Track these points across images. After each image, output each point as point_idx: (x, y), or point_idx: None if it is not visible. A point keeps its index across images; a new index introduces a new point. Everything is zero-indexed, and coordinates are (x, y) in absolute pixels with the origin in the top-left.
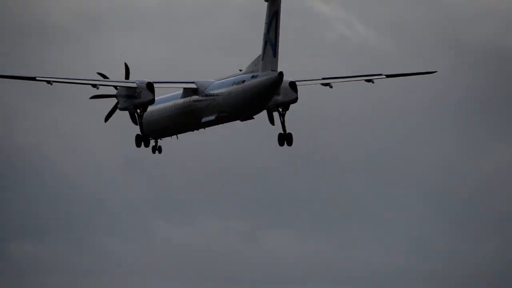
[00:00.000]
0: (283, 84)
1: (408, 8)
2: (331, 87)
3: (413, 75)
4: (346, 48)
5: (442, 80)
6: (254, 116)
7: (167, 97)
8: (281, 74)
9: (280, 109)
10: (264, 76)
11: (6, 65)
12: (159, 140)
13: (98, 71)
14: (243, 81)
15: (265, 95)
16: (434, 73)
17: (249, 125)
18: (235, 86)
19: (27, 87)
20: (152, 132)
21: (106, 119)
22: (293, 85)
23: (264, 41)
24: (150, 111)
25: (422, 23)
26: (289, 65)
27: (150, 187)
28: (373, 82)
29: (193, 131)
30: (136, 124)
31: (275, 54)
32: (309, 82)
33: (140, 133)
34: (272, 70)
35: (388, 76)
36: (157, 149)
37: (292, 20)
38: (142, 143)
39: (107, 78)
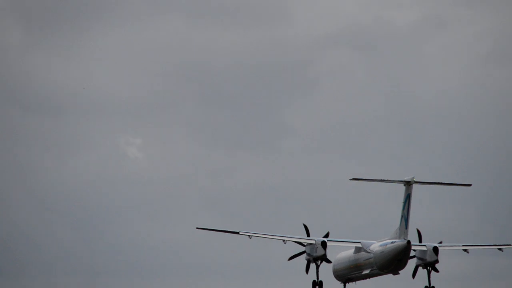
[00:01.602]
0: (428, 247)
1: None
2: (468, 252)
3: None
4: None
5: None
6: (399, 272)
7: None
8: (409, 242)
9: (429, 268)
10: (398, 242)
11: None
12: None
13: (304, 223)
14: (386, 245)
15: (399, 256)
16: None
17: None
18: (380, 248)
19: (231, 238)
20: (338, 277)
21: (290, 258)
22: (435, 249)
23: (401, 216)
24: (338, 261)
25: None
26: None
27: None
28: (502, 250)
29: (362, 279)
30: (306, 273)
31: (406, 226)
32: (451, 247)
33: (316, 279)
34: (404, 238)
35: None
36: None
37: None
38: (317, 287)
39: (307, 229)
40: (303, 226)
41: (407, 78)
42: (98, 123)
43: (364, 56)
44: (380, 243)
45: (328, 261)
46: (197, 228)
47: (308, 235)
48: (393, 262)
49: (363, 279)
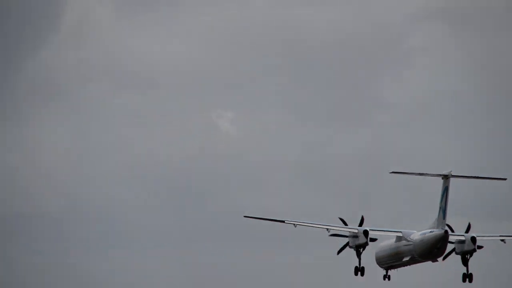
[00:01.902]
0: (466, 237)
1: None
2: (505, 242)
3: None
4: None
5: None
6: (438, 259)
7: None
8: (446, 231)
9: (467, 256)
10: (436, 232)
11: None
12: (389, 271)
13: (340, 217)
14: (425, 234)
15: (437, 245)
16: None
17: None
18: (421, 237)
19: (276, 227)
20: (380, 264)
21: (338, 252)
22: (473, 239)
23: (439, 207)
24: (380, 249)
25: None
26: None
27: None
28: None
29: (403, 266)
30: (358, 258)
31: (444, 217)
32: (489, 237)
33: (357, 265)
34: (442, 228)
35: None
36: (387, 277)
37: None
38: (359, 272)
39: (345, 222)
40: (340, 220)
41: (496, 53)
42: (189, 97)
43: (457, 30)
44: (419, 233)
45: (374, 240)
46: (244, 216)
47: (345, 223)
48: (431, 250)
49: (404, 266)
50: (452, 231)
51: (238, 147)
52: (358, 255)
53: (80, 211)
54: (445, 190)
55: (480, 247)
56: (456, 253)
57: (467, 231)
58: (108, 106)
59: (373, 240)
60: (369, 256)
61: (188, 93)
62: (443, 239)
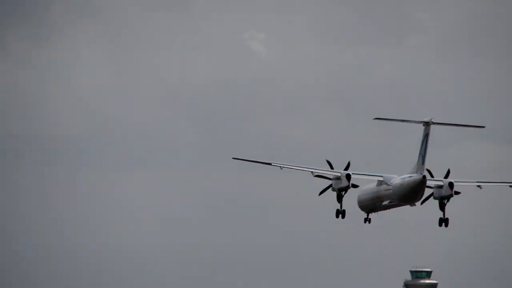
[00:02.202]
0: (444, 182)
1: None
2: (480, 188)
3: None
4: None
5: None
6: (416, 203)
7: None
8: (424, 176)
9: (445, 201)
10: (415, 177)
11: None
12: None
13: (327, 159)
14: (404, 179)
15: (416, 189)
16: None
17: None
18: (400, 181)
19: (263, 168)
20: (362, 208)
21: (320, 193)
22: (451, 184)
23: (419, 153)
24: (362, 192)
25: None
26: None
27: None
28: None
29: (383, 210)
30: (338, 202)
31: (423, 162)
32: (466, 183)
33: (339, 208)
34: (420, 173)
35: None
36: (367, 220)
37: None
38: (340, 215)
39: (332, 166)
40: (327, 162)
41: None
42: (222, 19)
43: None
44: (400, 177)
45: (355, 186)
46: (233, 158)
47: (332, 168)
48: (410, 194)
49: (384, 209)
50: (432, 176)
51: (269, 69)
52: (340, 198)
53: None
54: (426, 136)
55: (457, 192)
56: (434, 198)
57: (446, 177)
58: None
59: (355, 186)
60: (351, 200)
61: (220, 14)
62: (421, 184)
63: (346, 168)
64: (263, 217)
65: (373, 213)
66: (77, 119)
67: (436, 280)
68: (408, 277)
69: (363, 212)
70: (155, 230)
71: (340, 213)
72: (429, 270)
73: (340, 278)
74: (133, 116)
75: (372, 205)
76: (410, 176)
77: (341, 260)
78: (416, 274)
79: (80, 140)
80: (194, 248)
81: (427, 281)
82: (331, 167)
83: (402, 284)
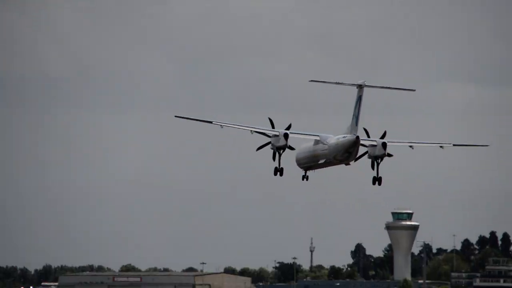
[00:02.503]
0: (378, 142)
1: None
2: (412, 148)
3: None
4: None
5: None
6: (350, 163)
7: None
8: (357, 137)
9: (378, 160)
10: (349, 137)
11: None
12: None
13: (269, 117)
14: (339, 139)
15: (350, 149)
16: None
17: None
18: (335, 141)
19: (204, 127)
20: (300, 165)
21: (258, 149)
22: (384, 144)
23: (353, 115)
24: (300, 151)
25: None
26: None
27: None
28: (442, 148)
29: (320, 168)
30: (273, 160)
31: (357, 123)
32: (398, 143)
33: (277, 166)
34: (354, 134)
35: (454, 145)
36: (305, 177)
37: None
38: (278, 173)
39: (273, 124)
40: (268, 120)
41: None
42: None
43: None
44: (335, 137)
45: (292, 148)
46: (175, 116)
47: (273, 127)
48: (344, 153)
49: (320, 167)
50: (368, 136)
51: None
52: (277, 156)
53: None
54: (359, 99)
55: (390, 155)
56: (369, 157)
57: (382, 138)
58: None
59: (291, 148)
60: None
61: None
62: (354, 144)
63: (287, 129)
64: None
65: (310, 171)
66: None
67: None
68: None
69: (301, 170)
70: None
71: (278, 170)
72: (410, 212)
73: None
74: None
75: (309, 163)
76: (344, 137)
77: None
78: (398, 216)
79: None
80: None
81: (408, 222)
82: (272, 125)
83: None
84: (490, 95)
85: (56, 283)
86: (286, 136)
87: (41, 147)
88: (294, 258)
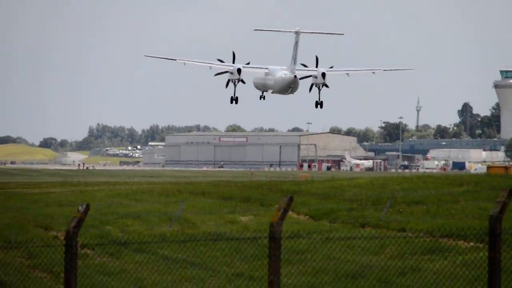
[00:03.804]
0: (318, 72)
1: None
2: (348, 75)
3: None
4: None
5: None
6: (293, 93)
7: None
8: (295, 76)
9: (320, 86)
10: (289, 75)
11: None
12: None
13: (218, 58)
14: (281, 76)
15: (289, 85)
16: None
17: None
18: (278, 77)
19: (171, 63)
20: (257, 88)
21: (216, 75)
22: (323, 74)
23: (292, 56)
24: (256, 79)
25: None
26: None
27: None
28: (374, 73)
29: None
30: (226, 87)
31: (295, 63)
32: (336, 72)
33: (232, 95)
34: (292, 73)
35: (385, 70)
36: (262, 97)
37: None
38: (233, 101)
39: (223, 61)
40: (218, 60)
41: None
42: None
43: None
44: (280, 72)
45: (243, 82)
46: (144, 55)
47: (234, 61)
48: (285, 88)
49: (272, 93)
50: (306, 67)
51: None
52: (233, 87)
53: None
54: (296, 43)
55: (327, 86)
56: (312, 84)
57: (316, 66)
58: None
59: (243, 82)
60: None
61: None
62: (292, 82)
63: (233, 61)
64: None
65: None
66: None
67: None
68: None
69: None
70: None
71: (234, 99)
72: None
73: None
74: None
75: (261, 89)
76: (285, 74)
77: None
78: (506, 74)
79: None
80: None
81: None
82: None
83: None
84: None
85: (163, 143)
86: (239, 70)
87: None
88: (400, 117)
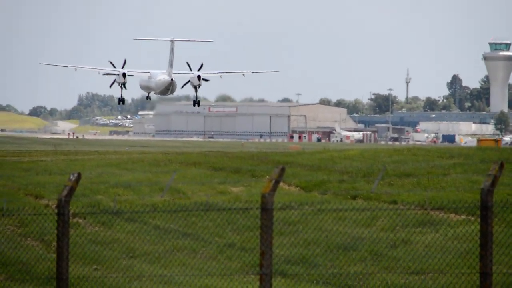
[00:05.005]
0: (194, 75)
1: None
2: (221, 77)
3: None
4: None
5: None
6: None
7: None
8: (172, 79)
9: (196, 87)
10: (167, 78)
11: None
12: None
13: (110, 60)
14: (160, 79)
15: (168, 87)
16: None
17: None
18: (158, 80)
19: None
20: (142, 90)
21: (110, 86)
22: (199, 76)
23: (168, 61)
24: (142, 81)
25: None
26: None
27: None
28: (244, 75)
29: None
30: (109, 87)
31: (172, 66)
32: (210, 74)
33: (120, 96)
34: (169, 76)
35: (253, 72)
36: (148, 97)
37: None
38: (121, 102)
39: (114, 65)
40: (110, 63)
41: None
42: None
43: None
44: (160, 75)
45: (125, 88)
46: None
47: (123, 66)
48: (165, 90)
49: (155, 93)
50: (190, 69)
51: None
52: (120, 89)
53: None
54: (172, 50)
55: (206, 79)
56: (191, 85)
57: (199, 70)
58: None
59: (125, 87)
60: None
61: None
62: (170, 84)
63: (123, 66)
64: None
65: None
66: None
67: None
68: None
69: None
70: None
71: (121, 100)
72: (509, 42)
73: None
74: None
75: (146, 90)
76: (164, 78)
77: None
78: (496, 46)
79: None
80: None
81: (506, 53)
82: (114, 67)
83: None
84: None
85: (152, 112)
86: (124, 75)
87: None
88: (390, 89)
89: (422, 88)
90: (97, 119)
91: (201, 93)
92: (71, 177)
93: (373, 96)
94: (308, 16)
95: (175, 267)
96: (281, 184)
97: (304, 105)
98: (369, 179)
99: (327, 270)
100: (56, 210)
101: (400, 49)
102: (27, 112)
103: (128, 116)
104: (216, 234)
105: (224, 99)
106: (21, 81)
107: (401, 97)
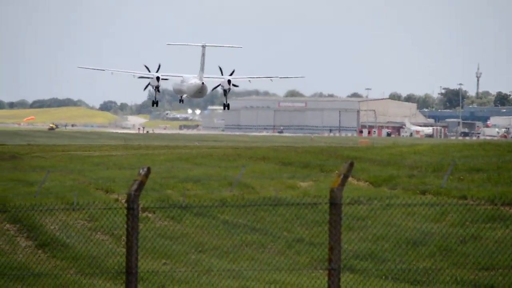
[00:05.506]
0: (225, 79)
1: None
2: (250, 82)
3: None
4: None
5: None
6: (203, 96)
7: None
8: (203, 83)
9: (227, 91)
10: (198, 82)
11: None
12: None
13: (145, 64)
14: (192, 83)
15: (199, 91)
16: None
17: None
18: (190, 84)
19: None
20: (176, 94)
21: (144, 89)
22: (229, 81)
23: (200, 66)
24: (175, 85)
25: None
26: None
27: None
28: (272, 80)
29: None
30: (143, 90)
31: (203, 71)
32: (240, 78)
33: (153, 99)
34: (200, 80)
35: (280, 78)
36: (181, 100)
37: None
38: (155, 104)
39: (148, 69)
40: (145, 67)
41: None
42: None
43: None
44: (191, 80)
45: (159, 91)
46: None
47: (149, 71)
48: (196, 93)
49: (188, 97)
50: (222, 74)
51: None
52: (155, 92)
53: None
54: (203, 55)
55: (235, 85)
56: (221, 89)
57: (230, 75)
58: None
59: (158, 90)
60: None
61: None
62: (201, 88)
63: (157, 70)
64: None
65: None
66: None
67: None
68: None
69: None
70: None
71: (155, 102)
72: None
73: None
74: None
75: (179, 94)
76: (195, 82)
77: None
78: None
79: None
80: None
81: None
82: (148, 70)
83: None
84: None
85: (222, 107)
86: (158, 78)
87: None
88: (460, 84)
89: (493, 82)
90: (167, 113)
91: (270, 88)
92: (141, 171)
93: (443, 91)
94: (379, 11)
95: (243, 261)
96: (350, 179)
97: (374, 100)
98: (438, 174)
99: (395, 266)
100: (125, 205)
101: (470, 43)
102: (97, 106)
103: (198, 111)
104: (285, 229)
105: (293, 94)
106: (92, 76)
107: (472, 92)
